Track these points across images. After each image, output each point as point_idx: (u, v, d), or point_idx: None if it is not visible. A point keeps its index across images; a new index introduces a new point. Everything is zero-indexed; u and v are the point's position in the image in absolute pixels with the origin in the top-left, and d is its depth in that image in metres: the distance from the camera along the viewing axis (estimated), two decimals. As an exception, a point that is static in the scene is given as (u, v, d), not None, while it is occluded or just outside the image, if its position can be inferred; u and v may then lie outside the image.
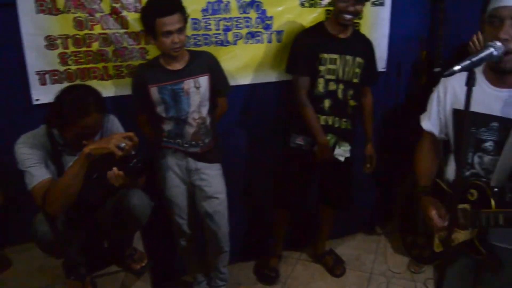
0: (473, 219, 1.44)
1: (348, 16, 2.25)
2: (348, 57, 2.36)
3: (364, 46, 2.47)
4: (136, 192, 1.89)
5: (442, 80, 1.59)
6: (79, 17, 2.09)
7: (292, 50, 2.41)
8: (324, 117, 2.41)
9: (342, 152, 2.45)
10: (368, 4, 2.73)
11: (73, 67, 2.15)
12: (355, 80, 2.41)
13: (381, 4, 2.80)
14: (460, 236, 1.50)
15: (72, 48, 2.12)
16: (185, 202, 2.31)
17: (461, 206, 1.47)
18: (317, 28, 2.40)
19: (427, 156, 1.70)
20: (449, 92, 1.55)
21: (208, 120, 2.19)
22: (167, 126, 2.15)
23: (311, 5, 2.59)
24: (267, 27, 2.50)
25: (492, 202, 1.39)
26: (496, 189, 1.42)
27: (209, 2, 2.32)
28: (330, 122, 2.42)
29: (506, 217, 1.34)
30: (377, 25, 2.84)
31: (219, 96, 2.28)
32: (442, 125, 1.61)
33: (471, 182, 1.46)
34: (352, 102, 2.44)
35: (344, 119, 2.45)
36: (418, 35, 2.96)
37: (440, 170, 1.70)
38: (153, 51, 2.24)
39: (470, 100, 1.23)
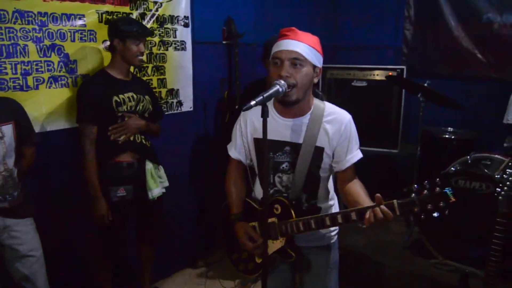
0: (281, 229, 1.70)
1: (142, 57, 2.39)
2: (139, 95, 2.46)
3: (145, 87, 2.61)
4: None
5: (242, 114, 1.84)
6: None
7: (80, 99, 2.33)
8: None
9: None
10: (171, 48, 2.95)
11: None
12: (146, 115, 2.52)
13: (183, 49, 3.06)
14: (274, 246, 1.74)
15: None
16: (-7, 266, 2.05)
17: (270, 220, 1.72)
18: (102, 74, 2.40)
19: (235, 185, 1.91)
20: (249, 124, 1.80)
21: (15, 172, 2.03)
22: (-35, 183, 1.91)
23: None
24: (72, 71, 2.45)
25: (293, 212, 1.68)
26: (294, 202, 1.72)
27: (2, 45, 2.17)
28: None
29: (304, 223, 1.64)
30: (180, 68, 3.08)
31: (26, 146, 2.13)
32: (247, 153, 1.85)
33: (275, 198, 1.73)
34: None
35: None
36: (219, 77, 3.31)
37: (249, 190, 1.94)
38: None
39: (267, 129, 1.47)
